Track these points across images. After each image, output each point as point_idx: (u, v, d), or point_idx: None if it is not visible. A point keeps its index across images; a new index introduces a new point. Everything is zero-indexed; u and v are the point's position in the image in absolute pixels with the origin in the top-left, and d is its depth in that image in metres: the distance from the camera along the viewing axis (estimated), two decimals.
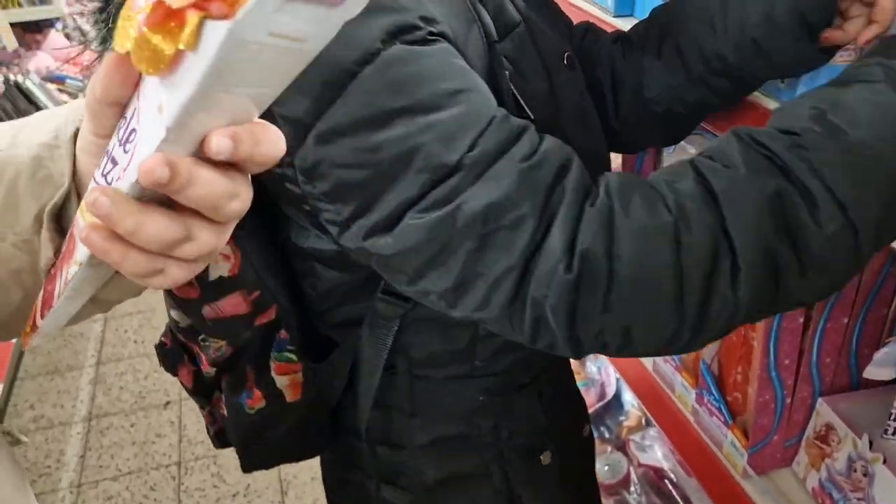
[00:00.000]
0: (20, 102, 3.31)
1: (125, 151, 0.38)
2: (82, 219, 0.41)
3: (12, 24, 3.58)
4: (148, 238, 0.37)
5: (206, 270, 0.72)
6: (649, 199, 0.58)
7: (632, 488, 1.56)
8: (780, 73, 0.78)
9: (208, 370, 0.84)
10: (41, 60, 3.61)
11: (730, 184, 0.57)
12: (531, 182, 0.58)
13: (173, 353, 0.87)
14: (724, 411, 0.97)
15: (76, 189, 0.45)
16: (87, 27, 0.60)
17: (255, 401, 0.84)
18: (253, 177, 0.41)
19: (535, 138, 0.61)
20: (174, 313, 0.82)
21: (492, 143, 0.59)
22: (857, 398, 0.90)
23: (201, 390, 0.89)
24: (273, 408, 0.84)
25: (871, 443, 0.82)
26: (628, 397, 1.66)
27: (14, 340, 2.48)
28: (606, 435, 1.72)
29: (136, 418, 2.34)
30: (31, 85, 3.36)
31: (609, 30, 1.07)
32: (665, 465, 1.51)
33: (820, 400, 0.90)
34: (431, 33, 0.60)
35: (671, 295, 0.57)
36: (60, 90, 3.48)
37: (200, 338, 0.82)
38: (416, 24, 0.59)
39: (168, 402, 2.39)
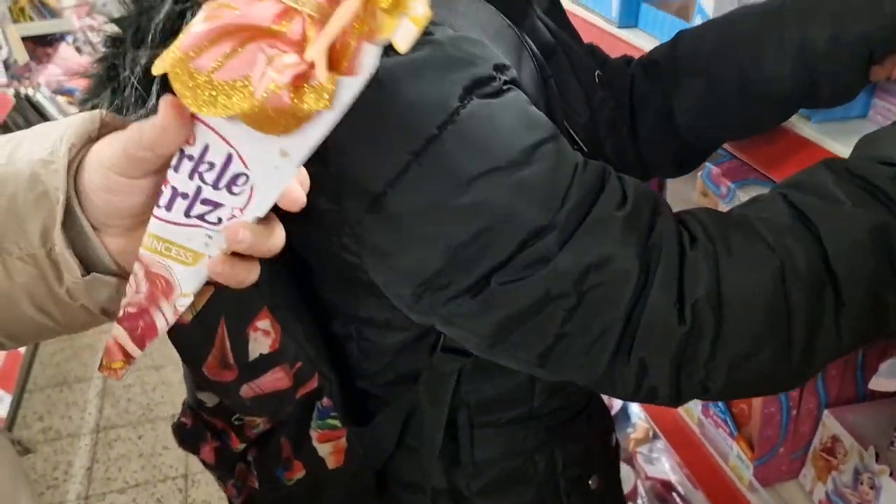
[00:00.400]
0: (31, 115, 3.34)
1: (233, 193, 0.43)
2: (154, 254, 0.45)
3: (24, 38, 3.61)
4: (276, 249, 0.45)
5: (246, 351, 0.71)
6: (750, 240, 0.56)
7: (639, 501, 1.55)
8: (820, 103, 0.74)
9: (238, 446, 0.81)
10: (52, 73, 3.64)
11: (831, 219, 0.55)
12: (629, 232, 0.56)
13: (196, 432, 0.84)
14: (729, 423, 0.97)
15: (83, 210, 0.46)
16: (95, 55, 0.59)
17: (294, 472, 0.81)
18: (289, 246, 0.47)
19: (617, 182, 0.59)
20: (202, 395, 0.79)
21: (581, 195, 0.56)
22: (863, 410, 0.89)
23: (224, 465, 0.86)
24: (314, 477, 0.81)
25: (877, 455, 0.82)
26: (635, 409, 1.65)
27: (22, 352, 2.47)
28: None
29: (144, 430, 2.34)
30: (42, 98, 3.39)
31: (614, 41, 1.07)
32: (672, 478, 1.51)
33: (826, 411, 0.89)
34: (505, 82, 0.58)
35: (779, 337, 0.55)
36: (70, 102, 3.51)
37: (234, 418, 0.79)
38: (491, 74, 0.57)
39: (175, 414, 2.39)
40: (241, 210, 0.44)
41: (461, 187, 0.55)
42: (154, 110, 0.52)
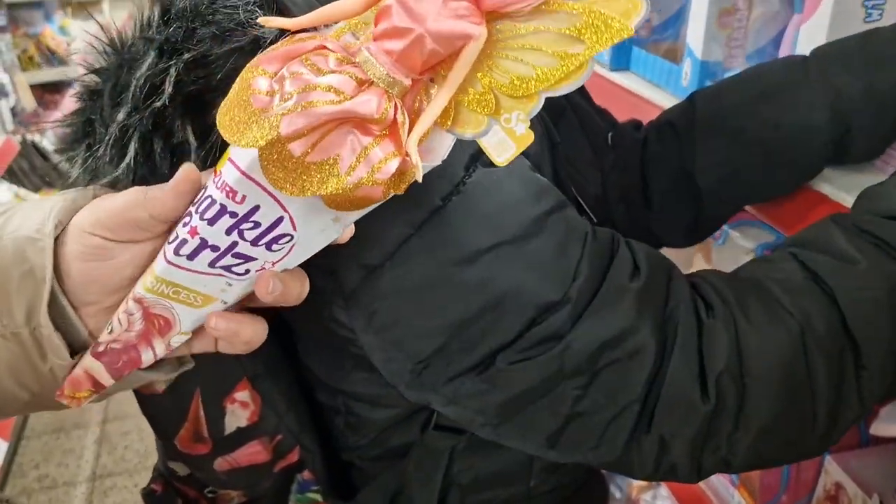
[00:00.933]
0: (36, 160, 3.38)
1: (272, 250, 0.43)
2: (158, 297, 0.45)
3: (32, 86, 3.67)
4: (303, 297, 0.46)
5: (222, 425, 0.67)
6: (767, 304, 0.54)
7: None
8: (850, 156, 0.71)
9: None
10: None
11: (845, 279, 0.53)
12: (644, 304, 0.53)
13: (166, 499, 0.79)
14: None
15: (63, 289, 0.45)
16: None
17: None
18: (277, 313, 0.47)
19: (627, 250, 0.56)
20: (173, 464, 0.75)
21: (592, 267, 0.53)
22: (866, 455, 0.87)
23: None
24: None
25: (881, 502, 0.79)
26: None
27: None
28: (617, 495, 1.67)
29: (140, 478, 2.31)
30: (48, 144, 3.43)
31: (607, 84, 1.08)
32: None
33: (828, 458, 0.87)
34: None
35: (803, 406, 0.53)
36: None
37: (207, 490, 0.76)
38: None
39: None
40: (274, 264, 0.43)
41: (466, 261, 0.52)
42: (130, 170, 0.51)
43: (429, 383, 0.57)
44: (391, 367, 0.59)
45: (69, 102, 0.58)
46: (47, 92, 3.90)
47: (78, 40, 3.75)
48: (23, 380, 0.47)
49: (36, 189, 3.21)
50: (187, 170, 0.43)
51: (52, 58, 3.77)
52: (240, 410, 0.67)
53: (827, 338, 0.53)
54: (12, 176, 3.21)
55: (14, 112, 3.53)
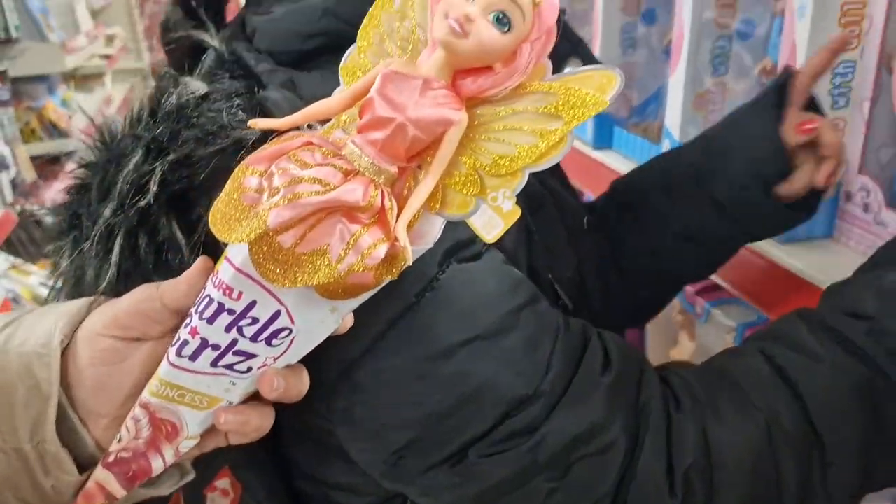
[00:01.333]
0: (35, 232, 3.40)
1: (272, 345, 0.43)
2: (164, 400, 0.44)
3: (32, 157, 3.71)
4: (304, 392, 0.47)
5: None
6: (735, 399, 0.55)
7: None
8: (762, 235, 0.78)
9: None
10: (57, 190, 3.71)
11: (811, 376, 0.54)
12: (615, 398, 0.54)
13: None
14: None
15: (71, 401, 0.45)
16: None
17: None
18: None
19: (598, 342, 0.57)
20: None
21: (566, 360, 0.54)
22: None
23: None
24: None
25: None
26: None
27: None
28: None
29: None
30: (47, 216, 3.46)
31: (589, 162, 1.10)
32: None
33: None
34: (485, 244, 0.56)
35: (771, 500, 0.54)
36: None
37: None
38: (473, 237, 0.54)
39: None
40: (275, 359, 0.44)
41: (440, 357, 0.53)
42: (115, 265, 0.52)
43: (405, 475, 0.57)
44: (366, 458, 0.59)
45: (70, 170, 0.59)
46: (47, 164, 3.94)
47: (78, 115, 3.82)
48: (22, 494, 0.47)
49: (34, 260, 3.22)
50: (203, 260, 0.44)
51: (54, 130, 3.83)
52: (220, 499, 0.66)
53: (793, 433, 0.53)
54: (10, 247, 3.22)
55: (14, 184, 3.57)
